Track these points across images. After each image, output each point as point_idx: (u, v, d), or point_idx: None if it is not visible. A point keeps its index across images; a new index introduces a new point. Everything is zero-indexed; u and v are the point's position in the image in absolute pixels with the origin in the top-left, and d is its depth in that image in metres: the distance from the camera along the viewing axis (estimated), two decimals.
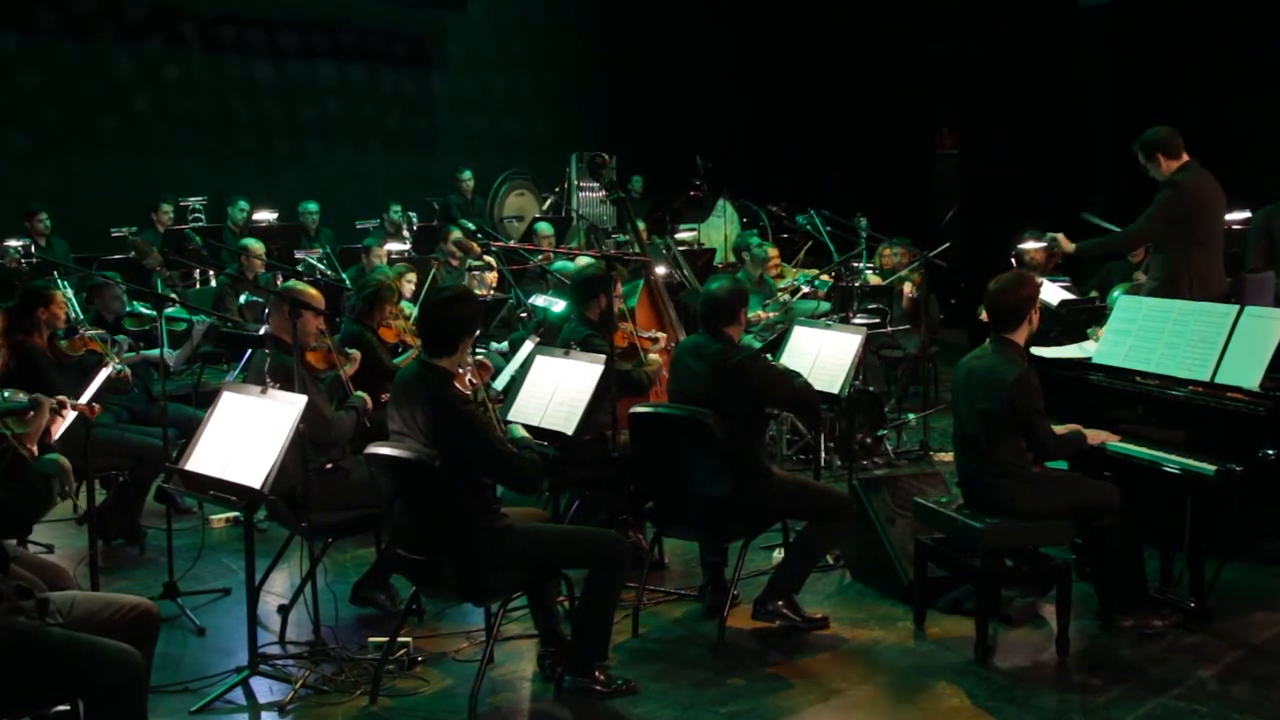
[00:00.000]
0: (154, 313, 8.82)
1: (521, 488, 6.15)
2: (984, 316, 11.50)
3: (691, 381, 6.96)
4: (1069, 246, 8.85)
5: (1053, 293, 10.02)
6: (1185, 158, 8.39)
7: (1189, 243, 8.35)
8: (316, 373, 7.48)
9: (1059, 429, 6.68)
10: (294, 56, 18.47)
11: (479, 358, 6.99)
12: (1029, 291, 6.69)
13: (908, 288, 12.26)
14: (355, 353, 7.95)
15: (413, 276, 11.64)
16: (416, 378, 6.03)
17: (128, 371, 8.35)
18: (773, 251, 12.63)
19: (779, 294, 11.73)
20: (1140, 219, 8.51)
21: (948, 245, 11.80)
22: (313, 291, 7.55)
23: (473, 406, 6.03)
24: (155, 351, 8.74)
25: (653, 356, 8.31)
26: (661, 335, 8.73)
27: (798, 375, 7.38)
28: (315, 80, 18.69)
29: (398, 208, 16.51)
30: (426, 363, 6.05)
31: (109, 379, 7.76)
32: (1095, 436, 6.87)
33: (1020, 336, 6.67)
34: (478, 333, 6.33)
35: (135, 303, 9.83)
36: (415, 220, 16.52)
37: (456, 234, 13.58)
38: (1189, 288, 8.26)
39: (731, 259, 15.74)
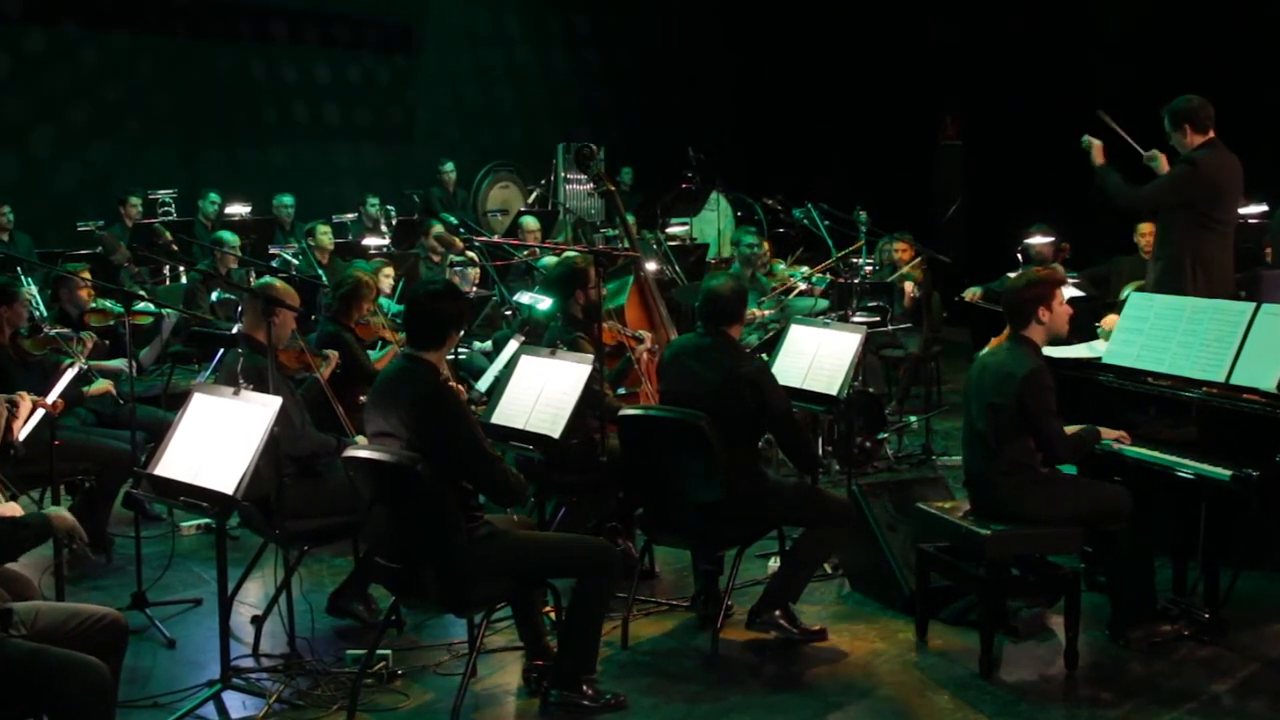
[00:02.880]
0: (119, 308, 8.81)
1: (502, 497, 6.11)
2: (968, 296, 11.66)
3: (694, 383, 6.95)
4: (1099, 159, 8.69)
5: None
6: (1211, 134, 8.35)
7: (1198, 225, 8.31)
8: (289, 373, 7.47)
9: (1070, 429, 6.67)
10: (269, 42, 18.42)
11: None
12: (1037, 291, 6.66)
13: (909, 286, 12.25)
14: (332, 353, 7.94)
15: (390, 271, 11.64)
16: (402, 372, 6.04)
17: (110, 387, 8.35)
18: (762, 250, 12.58)
19: (772, 292, 11.71)
20: (1151, 184, 8.48)
21: (926, 257, 11.80)
22: (289, 289, 7.54)
23: (463, 400, 6.04)
24: (118, 362, 8.69)
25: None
26: (648, 335, 8.73)
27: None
28: (291, 67, 18.63)
29: (375, 200, 16.49)
30: (413, 356, 6.06)
31: (75, 380, 7.75)
32: (1109, 435, 6.87)
33: (1036, 335, 6.66)
34: (462, 325, 6.34)
35: (99, 300, 9.80)
36: (394, 214, 16.50)
37: (438, 228, 13.58)
38: (1193, 274, 8.24)
39: (727, 253, 15.75)
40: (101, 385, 8.35)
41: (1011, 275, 11.15)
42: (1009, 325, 6.78)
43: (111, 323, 9.46)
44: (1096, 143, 8.75)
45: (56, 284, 9.93)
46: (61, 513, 5.45)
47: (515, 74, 20.79)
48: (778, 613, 6.99)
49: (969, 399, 6.81)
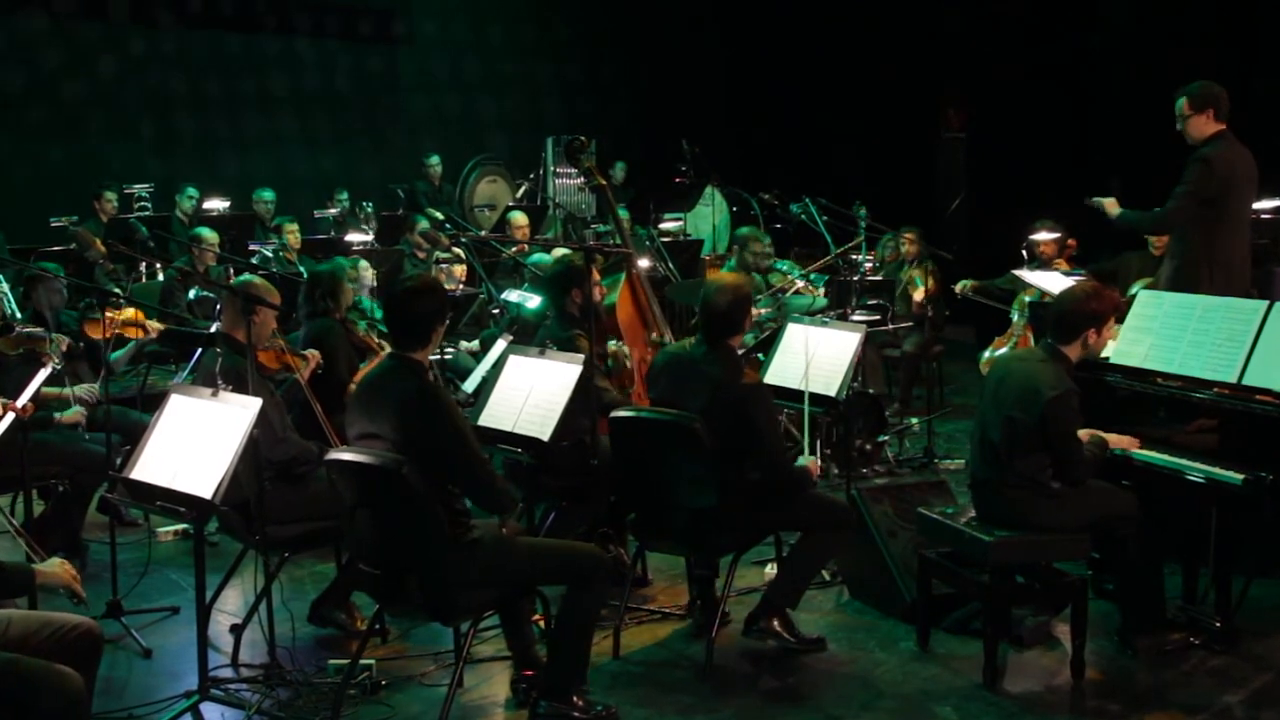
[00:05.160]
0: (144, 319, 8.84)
1: (490, 503, 6.08)
2: (959, 289, 11.73)
3: (683, 396, 6.91)
4: (1114, 210, 8.75)
5: (1064, 286, 10.00)
6: (1223, 125, 8.37)
7: (1214, 221, 8.32)
8: (268, 373, 7.46)
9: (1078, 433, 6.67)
10: (249, 31, 18.40)
11: None
12: (1096, 309, 6.62)
13: (919, 293, 12.21)
14: (312, 353, 7.92)
15: (365, 265, 11.57)
16: (389, 372, 6.03)
17: (81, 417, 8.32)
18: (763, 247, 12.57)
19: (769, 290, 11.70)
20: (1172, 200, 8.47)
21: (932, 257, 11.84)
22: (270, 286, 7.54)
23: (453, 400, 6.03)
24: (85, 388, 8.64)
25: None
26: (632, 349, 8.73)
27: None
28: (272, 58, 18.63)
29: (344, 194, 16.46)
30: (399, 356, 6.05)
31: (48, 381, 7.74)
32: (1116, 441, 6.87)
33: (1074, 353, 6.64)
34: (446, 319, 6.29)
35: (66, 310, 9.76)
36: (370, 208, 16.40)
37: (423, 224, 13.56)
38: (1209, 272, 8.24)
39: (720, 250, 15.75)
40: (75, 413, 8.32)
41: (1016, 273, 11.18)
42: (1051, 334, 6.73)
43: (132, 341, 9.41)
44: (1107, 200, 8.77)
45: (29, 283, 9.88)
46: (53, 569, 5.44)
47: (504, 66, 20.77)
48: (775, 621, 6.99)
49: (984, 404, 6.79)
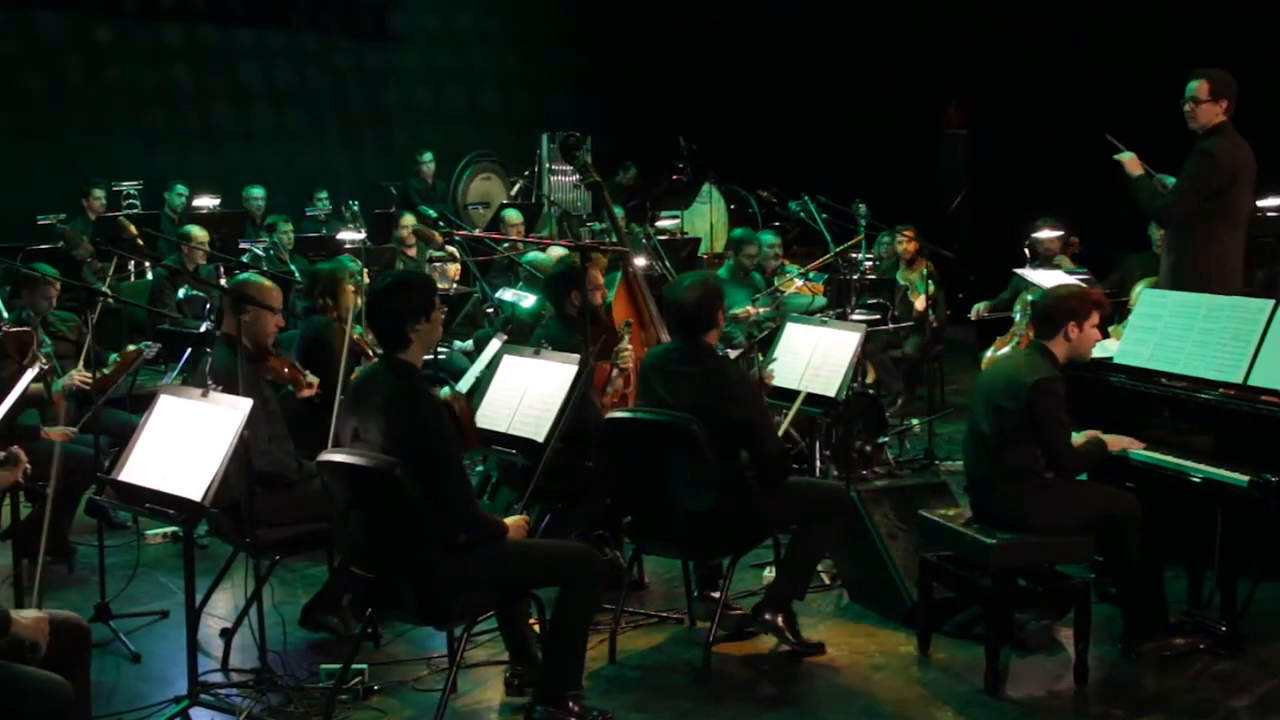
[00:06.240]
0: (76, 318, 8.79)
1: (466, 525, 5.98)
2: (974, 315, 11.78)
3: (671, 396, 6.92)
4: (1135, 170, 8.68)
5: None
6: (1228, 118, 8.36)
7: (1213, 215, 8.31)
8: (273, 378, 7.43)
9: (1076, 436, 6.67)
10: (239, 25, 18.34)
11: None
12: (1075, 305, 6.68)
13: (920, 301, 12.20)
14: (314, 379, 7.82)
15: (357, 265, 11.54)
16: (379, 373, 6.01)
17: (68, 435, 8.31)
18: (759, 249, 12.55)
19: (768, 289, 11.68)
20: (1174, 195, 8.44)
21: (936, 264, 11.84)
22: (268, 285, 7.51)
23: (443, 412, 6.00)
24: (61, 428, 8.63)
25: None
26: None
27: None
28: (262, 52, 18.57)
29: (324, 193, 16.42)
30: (387, 357, 6.03)
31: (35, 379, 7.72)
32: (1116, 443, 6.86)
33: (1058, 349, 6.67)
34: (431, 316, 6.19)
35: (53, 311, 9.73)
36: (355, 206, 16.26)
37: (410, 219, 13.56)
38: (1206, 266, 8.23)
39: (719, 249, 15.73)
40: (62, 430, 8.31)
41: (1018, 271, 11.18)
42: (1035, 331, 6.79)
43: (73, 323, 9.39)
44: (1128, 156, 8.70)
45: (20, 283, 9.86)
46: (29, 623, 5.41)
47: (498, 61, 20.70)
48: (780, 616, 6.98)
49: (976, 401, 6.81)
